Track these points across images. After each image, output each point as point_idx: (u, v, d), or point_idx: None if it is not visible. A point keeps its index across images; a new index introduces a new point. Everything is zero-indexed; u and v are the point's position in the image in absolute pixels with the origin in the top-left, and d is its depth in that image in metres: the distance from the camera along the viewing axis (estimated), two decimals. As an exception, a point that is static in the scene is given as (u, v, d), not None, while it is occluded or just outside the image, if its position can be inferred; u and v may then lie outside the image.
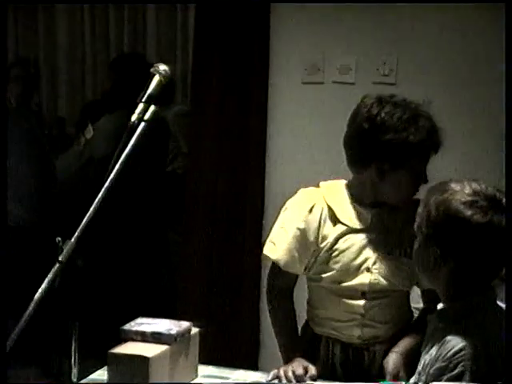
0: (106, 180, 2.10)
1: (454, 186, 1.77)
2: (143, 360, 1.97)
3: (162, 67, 2.24)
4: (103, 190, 2.08)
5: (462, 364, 1.69)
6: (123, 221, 3.86)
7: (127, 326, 2.09)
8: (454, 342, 1.71)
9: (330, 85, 3.49)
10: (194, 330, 2.18)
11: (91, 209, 2.04)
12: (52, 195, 4.06)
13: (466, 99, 3.33)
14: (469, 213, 1.72)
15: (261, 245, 3.61)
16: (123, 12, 5.46)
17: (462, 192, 1.76)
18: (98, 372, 2.14)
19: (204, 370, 2.24)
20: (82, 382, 2.14)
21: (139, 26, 5.45)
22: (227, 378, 2.21)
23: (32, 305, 1.90)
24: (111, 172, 2.11)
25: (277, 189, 3.57)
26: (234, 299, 3.67)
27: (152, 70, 2.23)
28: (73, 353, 2.22)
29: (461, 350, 1.70)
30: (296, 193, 2.39)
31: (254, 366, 3.35)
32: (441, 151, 2.23)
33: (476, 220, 1.72)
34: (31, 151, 4.03)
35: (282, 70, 3.55)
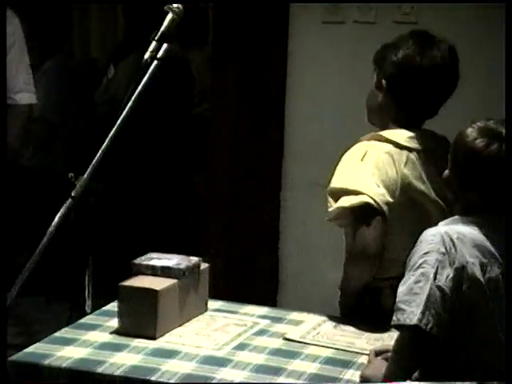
0: (118, 118, 2.14)
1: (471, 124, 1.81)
2: (152, 293, 2.03)
3: (176, 4, 2.26)
4: (115, 127, 2.12)
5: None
6: (145, 160, 3.91)
7: (138, 260, 2.14)
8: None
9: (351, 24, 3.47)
10: (204, 266, 2.23)
11: (103, 146, 2.09)
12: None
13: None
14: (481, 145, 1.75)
15: (280, 187, 3.71)
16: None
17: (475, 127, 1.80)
18: (112, 304, 2.20)
19: (214, 304, 2.30)
20: (95, 312, 2.21)
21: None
22: (236, 312, 2.27)
23: (45, 237, 1.97)
24: (123, 110, 2.15)
25: (297, 130, 3.59)
26: (254, 239, 3.72)
27: (165, 7, 2.25)
28: (87, 285, 2.30)
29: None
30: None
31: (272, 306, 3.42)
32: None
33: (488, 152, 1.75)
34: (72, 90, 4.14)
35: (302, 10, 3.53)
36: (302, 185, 3.61)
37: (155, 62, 2.18)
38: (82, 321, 2.16)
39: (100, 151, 2.08)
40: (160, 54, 2.20)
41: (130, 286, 2.06)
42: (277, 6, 3.53)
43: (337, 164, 2.25)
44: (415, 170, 2.23)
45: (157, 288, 2.04)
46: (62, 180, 2.07)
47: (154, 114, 3.75)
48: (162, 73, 2.18)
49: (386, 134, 2.25)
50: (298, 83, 3.59)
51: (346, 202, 2.13)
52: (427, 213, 2.23)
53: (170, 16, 2.24)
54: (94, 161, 2.06)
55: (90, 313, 2.22)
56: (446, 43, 2.28)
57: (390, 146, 2.22)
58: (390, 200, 2.14)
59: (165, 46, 2.21)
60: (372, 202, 2.11)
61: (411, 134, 2.26)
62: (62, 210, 1.99)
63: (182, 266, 2.13)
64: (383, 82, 2.27)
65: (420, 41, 2.27)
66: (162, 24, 2.24)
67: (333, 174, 2.23)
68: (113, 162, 2.14)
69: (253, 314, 2.27)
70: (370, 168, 2.16)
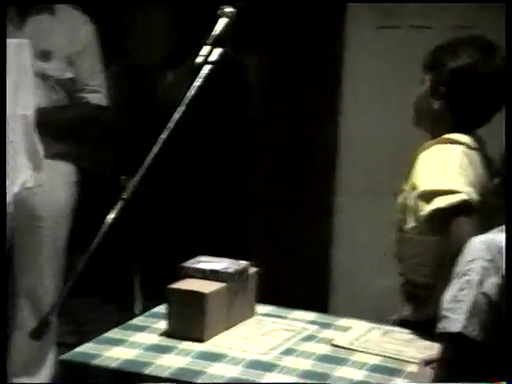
0: (171, 121, 2.16)
1: None
2: (200, 296, 2.03)
3: (228, 9, 2.26)
4: (166, 130, 2.14)
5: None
6: (197, 162, 3.94)
7: (187, 263, 2.15)
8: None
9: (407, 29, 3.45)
10: (252, 269, 2.23)
11: (154, 148, 2.10)
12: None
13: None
14: None
15: (333, 185, 3.69)
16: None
17: None
18: (160, 306, 2.21)
19: (262, 308, 2.29)
20: (144, 314, 2.23)
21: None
22: (284, 317, 2.26)
23: (97, 238, 2.00)
24: (176, 113, 2.17)
25: (351, 136, 3.58)
26: (305, 244, 3.72)
27: (218, 11, 2.26)
28: (135, 287, 2.32)
29: None
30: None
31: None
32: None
33: None
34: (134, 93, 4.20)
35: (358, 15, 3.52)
36: (355, 191, 3.60)
37: (208, 66, 2.19)
38: (131, 322, 2.17)
39: (151, 153, 2.10)
40: (213, 58, 2.21)
41: (178, 289, 2.07)
42: (332, 10, 3.52)
43: (409, 169, 2.22)
44: (481, 172, 2.22)
45: (205, 291, 2.04)
46: (112, 182, 2.10)
47: (206, 117, 3.78)
48: (215, 76, 2.19)
49: (455, 137, 2.23)
50: (352, 88, 3.58)
51: (442, 202, 2.08)
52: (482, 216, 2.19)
53: (222, 19, 2.25)
54: (146, 163, 2.08)
55: (139, 314, 2.24)
56: (502, 50, 2.25)
57: (464, 148, 2.20)
58: (479, 198, 2.11)
59: (218, 49, 2.22)
60: (469, 199, 2.07)
61: (472, 137, 2.24)
62: (113, 212, 2.02)
63: (230, 270, 2.13)
64: (441, 88, 2.25)
65: (481, 48, 2.25)
66: (214, 27, 2.25)
67: (407, 179, 2.21)
68: (164, 165, 2.15)
69: (301, 319, 2.26)
70: (456, 168, 2.13)
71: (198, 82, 2.17)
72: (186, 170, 3.94)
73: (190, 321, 2.04)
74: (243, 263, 2.20)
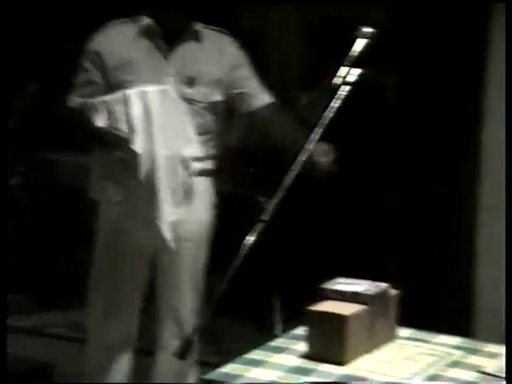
0: (308, 141, 2.16)
1: None
2: (341, 318, 2.01)
3: (367, 29, 2.25)
4: (304, 151, 2.14)
5: None
6: (334, 182, 3.92)
7: (325, 285, 2.13)
8: None
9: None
10: (393, 292, 2.19)
11: (293, 168, 2.11)
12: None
13: None
14: None
15: (475, 209, 3.57)
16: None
17: None
18: (301, 328, 2.21)
19: (404, 332, 2.25)
20: (284, 335, 2.23)
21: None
22: (428, 342, 2.20)
23: (236, 260, 2.02)
24: (313, 134, 2.17)
25: (494, 150, 3.46)
26: (447, 264, 3.62)
27: (355, 32, 2.25)
28: (275, 309, 2.33)
29: None
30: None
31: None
32: None
33: None
34: None
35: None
36: (498, 207, 3.47)
37: (346, 87, 2.19)
38: (272, 343, 2.18)
39: (290, 174, 2.10)
40: (351, 79, 2.20)
41: (318, 311, 2.05)
42: (472, 27, 3.44)
43: None
44: None
45: (345, 313, 2.02)
46: (250, 203, 2.12)
47: (343, 138, 3.76)
48: (353, 97, 2.17)
49: None
50: (495, 98, 3.46)
51: None
52: None
53: (361, 40, 2.24)
54: (284, 184, 2.09)
55: (279, 336, 2.24)
56: None
57: None
58: None
59: (356, 70, 2.21)
60: None
61: None
62: (252, 233, 2.04)
63: (371, 292, 2.10)
64: None
65: None
66: (352, 48, 2.24)
67: None
68: (301, 186, 2.15)
69: (446, 344, 2.20)
70: None
71: (336, 103, 2.17)
72: (323, 192, 3.93)
73: (330, 343, 2.02)
74: (383, 285, 2.16)
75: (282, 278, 2.26)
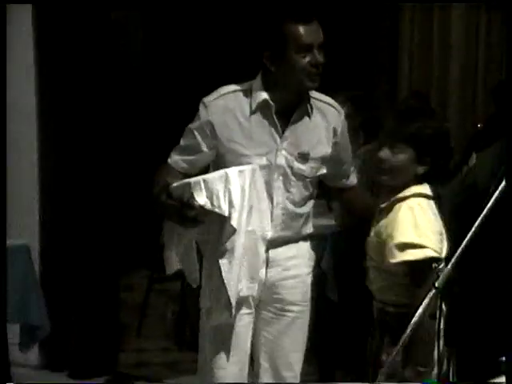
0: (483, 209, 2.12)
1: None
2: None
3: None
4: (479, 220, 2.09)
5: None
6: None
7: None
8: None
9: None
10: None
11: (468, 235, 2.07)
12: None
13: None
14: None
15: None
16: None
17: None
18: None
19: None
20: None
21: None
22: None
23: (409, 328, 1.99)
24: (488, 201, 2.12)
25: None
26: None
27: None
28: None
29: None
30: None
31: None
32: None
33: None
34: None
35: None
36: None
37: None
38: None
39: (465, 240, 2.07)
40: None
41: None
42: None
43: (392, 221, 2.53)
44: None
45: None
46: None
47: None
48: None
49: (424, 190, 2.59)
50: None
51: (411, 255, 2.47)
52: None
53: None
54: (459, 251, 2.05)
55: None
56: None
57: (430, 200, 2.58)
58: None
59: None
60: (434, 254, 2.45)
61: (431, 188, 2.62)
62: (425, 301, 2.01)
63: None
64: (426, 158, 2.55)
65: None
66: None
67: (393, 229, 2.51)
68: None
69: None
70: (426, 223, 2.50)
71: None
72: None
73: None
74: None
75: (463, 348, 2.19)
